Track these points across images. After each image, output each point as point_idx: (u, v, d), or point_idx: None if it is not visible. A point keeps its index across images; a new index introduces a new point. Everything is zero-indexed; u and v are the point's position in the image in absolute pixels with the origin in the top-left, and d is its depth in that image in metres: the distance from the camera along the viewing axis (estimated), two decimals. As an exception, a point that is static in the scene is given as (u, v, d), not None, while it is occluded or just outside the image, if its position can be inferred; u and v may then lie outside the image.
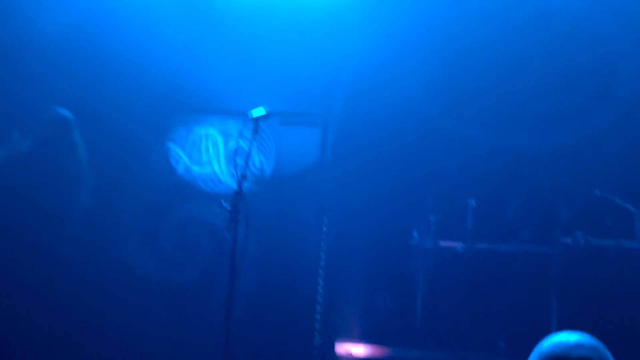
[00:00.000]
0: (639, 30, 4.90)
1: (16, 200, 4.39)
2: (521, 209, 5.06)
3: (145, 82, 4.59)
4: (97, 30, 4.79)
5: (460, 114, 5.09)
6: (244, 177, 3.68)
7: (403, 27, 4.97)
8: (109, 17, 4.80)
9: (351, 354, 4.76)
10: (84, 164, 4.54)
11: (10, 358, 4.34)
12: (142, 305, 4.54)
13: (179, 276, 4.70)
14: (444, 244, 4.96)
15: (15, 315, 4.35)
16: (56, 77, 4.75)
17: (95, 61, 4.78)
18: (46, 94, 4.50)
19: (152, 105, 4.64)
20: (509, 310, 4.85)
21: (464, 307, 4.88)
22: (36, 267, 4.44)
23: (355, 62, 4.93)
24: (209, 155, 4.85)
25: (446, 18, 5.12)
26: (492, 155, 5.02)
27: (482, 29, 5.07)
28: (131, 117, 4.59)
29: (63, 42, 4.83)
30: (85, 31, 4.81)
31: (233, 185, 4.79)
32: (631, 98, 4.86)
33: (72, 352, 4.46)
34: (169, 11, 4.71)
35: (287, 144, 4.78)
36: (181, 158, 4.82)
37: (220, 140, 4.87)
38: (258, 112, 3.82)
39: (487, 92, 5.10)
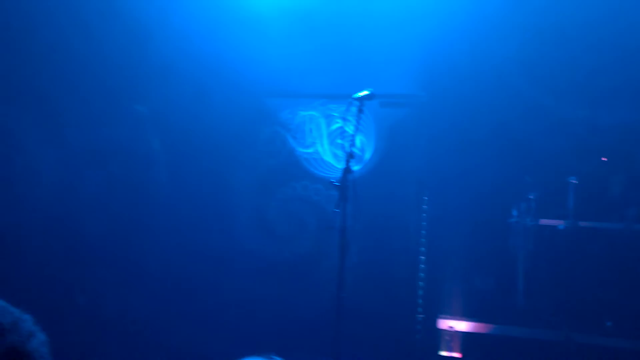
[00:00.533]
0: None
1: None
2: (626, 187, 4.94)
3: (252, 69, 4.90)
4: (208, 24, 5.14)
5: (559, 91, 5.04)
6: (350, 157, 3.87)
7: (497, 4, 4.99)
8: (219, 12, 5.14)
9: (453, 329, 4.84)
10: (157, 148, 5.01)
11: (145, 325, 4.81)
12: (254, 278, 4.86)
13: (286, 250, 4.99)
14: (544, 222, 4.95)
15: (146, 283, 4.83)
16: (175, 70, 5.16)
17: (206, 54, 5.14)
18: (170, 84, 4.93)
19: (259, 90, 4.95)
20: (616, 290, 4.77)
21: (567, 286, 4.84)
22: (158, 240, 4.90)
23: (450, 42, 5.01)
24: (313, 137, 5.11)
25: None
26: (594, 132, 4.94)
27: (580, 3, 5.00)
28: (240, 103, 4.92)
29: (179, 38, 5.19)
30: (198, 26, 5.17)
31: (335, 165, 5.04)
32: None
33: (192, 320, 4.86)
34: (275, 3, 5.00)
35: (386, 124, 4.94)
36: (287, 140, 5.12)
37: (323, 122, 5.12)
38: (360, 94, 3.99)
39: (586, 68, 5.03)
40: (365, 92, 3.93)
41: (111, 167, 4.95)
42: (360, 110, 3.96)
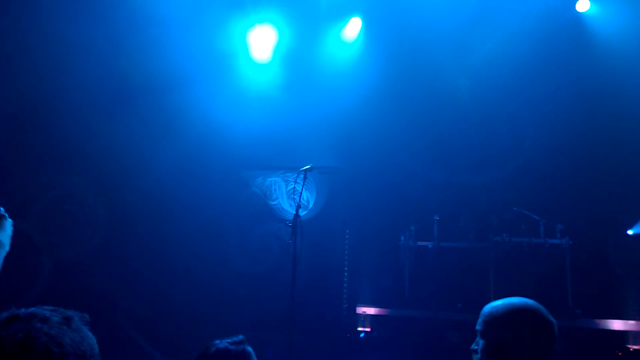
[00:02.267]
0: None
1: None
2: (468, 221, 8.00)
3: (238, 151, 7.69)
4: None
5: (430, 164, 8.09)
6: (298, 206, 6.61)
7: (394, 112, 8.02)
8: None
9: (365, 313, 7.67)
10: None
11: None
12: (234, 287, 7.54)
13: (258, 267, 7.71)
14: (420, 243, 7.91)
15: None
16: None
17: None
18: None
19: (243, 164, 7.74)
20: (463, 284, 7.74)
21: (434, 283, 7.79)
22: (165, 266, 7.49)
23: (363, 132, 7.98)
24: (277, 194, 7.91)
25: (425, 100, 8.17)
26: (449, 187, 8.00)
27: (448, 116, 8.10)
28: (232, 173, 7.69)
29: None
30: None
31: (292, 212, 7.81)
32: (531, 148, 7.87)
33: (186, 322, 7.43)
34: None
35: (323, 185, 7.81)
36: (260, 196, 7.88)
37: (283, 184, 7.94)
38: (305, 167, 6.78)
39: (444, 148, 8.11)
40: (308, 166, 6.43)
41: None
42: (305, 177, 6.28)
